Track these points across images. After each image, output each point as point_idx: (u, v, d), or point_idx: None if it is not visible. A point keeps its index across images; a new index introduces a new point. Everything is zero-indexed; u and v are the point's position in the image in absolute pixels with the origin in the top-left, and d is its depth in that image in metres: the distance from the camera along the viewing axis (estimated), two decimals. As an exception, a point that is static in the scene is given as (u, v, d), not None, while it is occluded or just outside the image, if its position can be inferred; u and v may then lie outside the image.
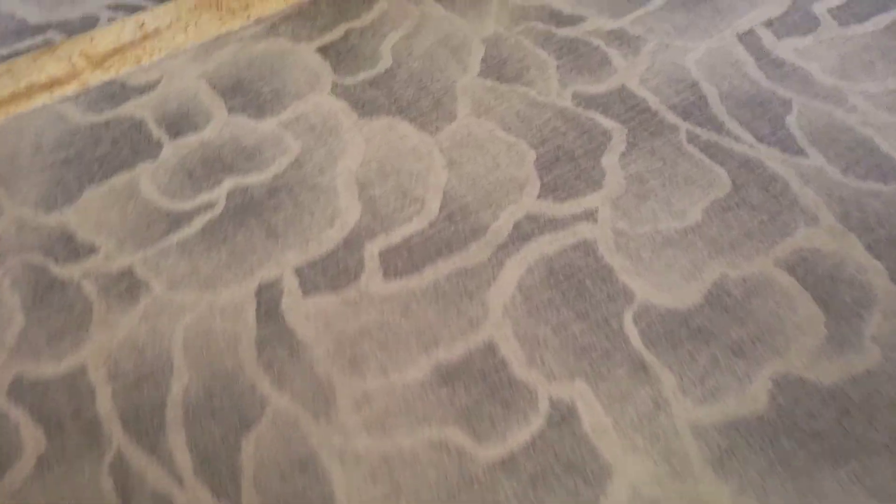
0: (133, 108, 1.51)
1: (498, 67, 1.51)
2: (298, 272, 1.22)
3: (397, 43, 1.59)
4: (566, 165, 1.32)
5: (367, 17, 1.66)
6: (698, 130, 1.34)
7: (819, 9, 1.52)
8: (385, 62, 1.55)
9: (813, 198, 1.21)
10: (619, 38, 1.54)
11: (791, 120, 1.34)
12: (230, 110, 1.49)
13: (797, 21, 1.51)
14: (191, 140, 1.43)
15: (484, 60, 1.53)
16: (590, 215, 1.25)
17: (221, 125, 1.46)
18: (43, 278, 1.25)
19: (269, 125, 1.45)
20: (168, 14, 1.72)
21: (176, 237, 1.29)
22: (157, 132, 1.46)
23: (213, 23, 1.69)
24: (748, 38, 1.49)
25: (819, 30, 1.48)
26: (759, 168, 1.27)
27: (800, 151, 1.28)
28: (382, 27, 1.63)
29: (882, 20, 1.48)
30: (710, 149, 1.31)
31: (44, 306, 1.21)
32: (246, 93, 1.52)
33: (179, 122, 1.47)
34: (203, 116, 1.48)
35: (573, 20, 1.60)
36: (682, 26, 1.54)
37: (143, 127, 1.47)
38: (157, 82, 1.56)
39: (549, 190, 1.29)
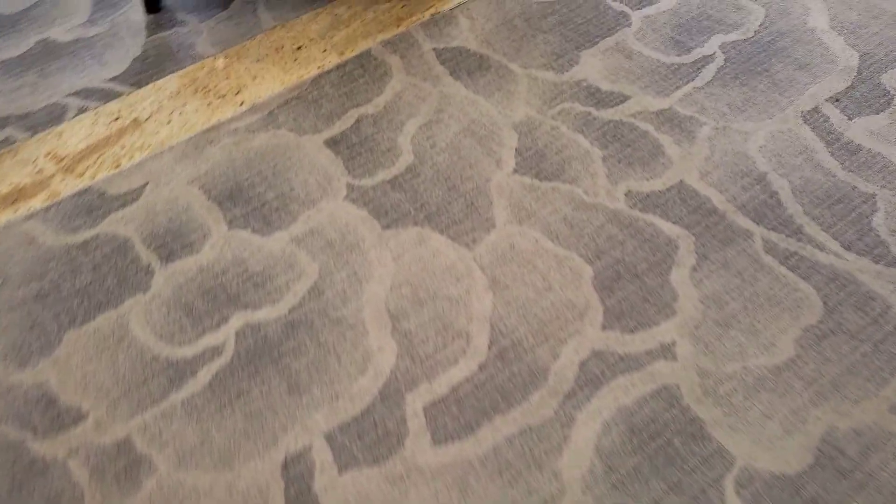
0: (115, 224, 1.30)
1: (536, 161, 1.34)
2: (330, 439, 1.02)
3: (417, 133, 1.40)
4: (630, 285, 1.15)
5: (380, 101, 1.47)
6: (774, 237, 1.18)
7: (889, 81, 1.37)
8: (406, 157, 1.37)
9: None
10: (670, 120, 1.37)
11: (878, 221, 1.18)
12: (230, 223, 1.28)
13: (866, 95, 1.36)
14: (187, 265, 1.23)
15: (518, 152, 1.35)
16: (667, 350, 1.07)
17: (222, 244, 1.25)
18: (20, 459, 1.03)
19: (278, 242, 1.25)
20: (147, 102, 1.51)
21: (180, 395, 1.08)
22: (146, 255, 1.25)
23: (201, 112, 1.48)
24: (814, 119, 1.34)
25: (892, 106, 1.33)
26: (850, 284, 1.11)
27: (894, 261, 1.13)
28: (398, 113, 1.44)
29: (956, 93, 1.34)
30: (790, 260, 1.15)
31: (22, 497, 1.00)
32: (247, 201, 1.32)
33: (171, 242, 1.26)
34: (199, 233, 1.27)
35: (615, 99, 1.43)
36: (738, 104, 1.38)
37: (128, 249, 1.26)
38: (142, 190, 1.35)
39: (615, 317, 1.11)
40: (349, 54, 1.57)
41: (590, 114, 1.40)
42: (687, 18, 1.57)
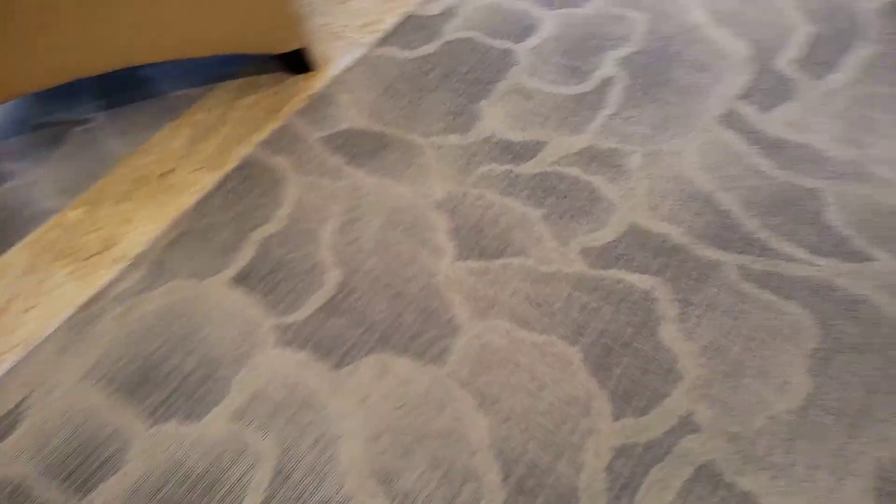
0: (1, 466, 1.03)
1: (475, 239, 1.20)
2: None
3: (336, 240, 1.23)
4: (624, 357, 1.05)
5: (281, 214, 1.28)
6: (745, 260, 1.12)
7: (784, 65, 1.36)
8: (332, 273, 1.19)
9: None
10: (594, 158, 1.29)
11: (832, 216, 1.15)
12: (150, 418, 1.05)
13: (771, 85, 1.34)
14: (112, 491, 0.99)
15: (453, 234, 1.22)
16: (687, 423, 0.98)
17: (148, 449, 1.02)
18: None
19: (216, 425, 1.04)
20: (-2, 287, 1.23)
21: None
22: (53, 497, 0.99)
23: (70, 283, 1.22)
24: (733, 121, 1.30)
25: (798, 91, 1.32)
26: (832, 292, 1.07)
27: (862, 255, 1.10)
28: (307, 222, 1.26)
29: (851, 62, 1.35)
30: (769, 281, 1.10)
31: None
32: (163, 382, 1.09)
33: (82, 467, 1.01)
34: (115, 444, 1.03)
35: (531, 149, 1.32)
36: (658, 123, 1.32)
37: (27, 495, 1.00)
38: (22, 409, 1.08)
39: (623, 400, 1.01)
40: (227, 167, 1.36)
41: (511, 172, 1.29)
42: (573, 41, 1.50)
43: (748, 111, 1.31)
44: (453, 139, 1.36)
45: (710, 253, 1.14)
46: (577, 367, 1.04)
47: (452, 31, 1.58)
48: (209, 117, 1.46)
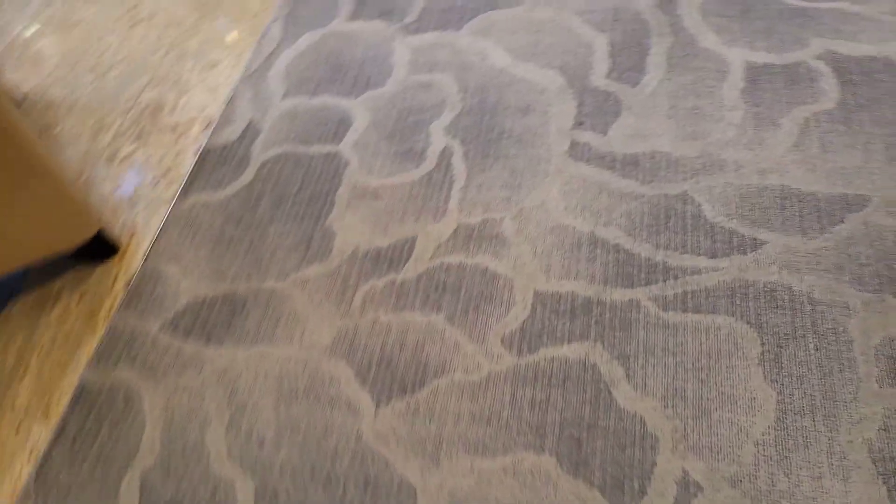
0: None
1: (388, 375, 1.06)
2: None
3: (229, 443, 1.01)
4: (596, 441, 0.96)
5: (151, 441, 1.03)
6: (656, 290, 1.09)
7: (599, 83, 1.37)
8: (242, 486, 0.97)
9: (826, 287, 1.04)
10: (469, 238, 1.20)
11: (710, 213, 1.16)
12: None
13: (598, 106, 1.34)
14: None
15: (362, 380, 1.06)
16: (687, 486, 0.91)
17: None
18: None
19: None
20: None
21: None
22: None
23: None
24: (580, 152, 1.28)
25: (623, 102, 1.33)
26: (746, 289, 1.07)
27: (754, 242, 1.11)
28: (185, 437, 1.03)
29: (655, 61, 1.39)
30: (687, 303, 1.07)
31: None
32: None
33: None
34: None
35: (402, 250, 1.20)
36: (508, 181, 1.26)
37: None
38: None
39: (617, 491, 0.91)
40: (59, 408, 1.09)
41: (394, 282, 1.16)
42: (391, 124, 1.41)
43: (588, 138, 1.30)
44: (316, 269, 1.20)
45: (621, 295, 1.09)
46: (556, 475, 0.94)
47: (263, 152, 1.43)
48: (8, 353, 1.17)
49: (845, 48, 1.29)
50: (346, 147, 1.38)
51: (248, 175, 1.39)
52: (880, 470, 0.88)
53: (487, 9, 1.59)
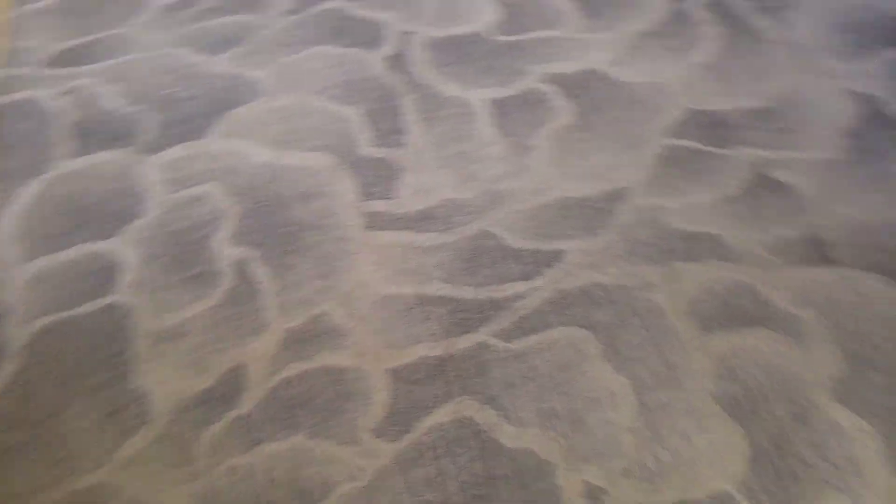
0: None
1: (271, 524, 0.94)
2: None
3: None
4: (504, 492, 0.95)
5: None
6: (494, 327, 1.13)
7: (368, 152, 1.40)
8: None
9: (627, 272, 1.17)
10: (300, 340, 1.13)
11: (510, 241, 1.24)
12: None
13: (376, 173, 1.36)
14: None
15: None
16: (594, 489, 0.95)
17: None
18: None
19: None
20: None
21: None
22: None
23: None
24: (377, 223, 1.29)
25: (397, 164, 1.37)
26: (564, 299, 1.16)
27: (556, 254, 1.22)
28: None
29: (410, 119, 1.46)
30: (524, 328, 1.13)
31: None
32: None
33: None
34: None
35: (231, 382, 1.09)
36: (318, 274, 1.22)
37: None
38: None
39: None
40: None
41: (236, 418, 1.05)
42: (170, 249, 1.27)
43: (379, 206, 1.32)
44: (140, 440, 1.04)
45: (466, 342, 1.12)
46: (478, 544, 0.91)
47: (19, 333, 1.19)
48: None
49: (559, 68, 1.50)
50: (122, 294, 1.22)
51: (9, 367, 1.15)
52: (729, 412, 1.01)
53: (226, 109, 1.53)
